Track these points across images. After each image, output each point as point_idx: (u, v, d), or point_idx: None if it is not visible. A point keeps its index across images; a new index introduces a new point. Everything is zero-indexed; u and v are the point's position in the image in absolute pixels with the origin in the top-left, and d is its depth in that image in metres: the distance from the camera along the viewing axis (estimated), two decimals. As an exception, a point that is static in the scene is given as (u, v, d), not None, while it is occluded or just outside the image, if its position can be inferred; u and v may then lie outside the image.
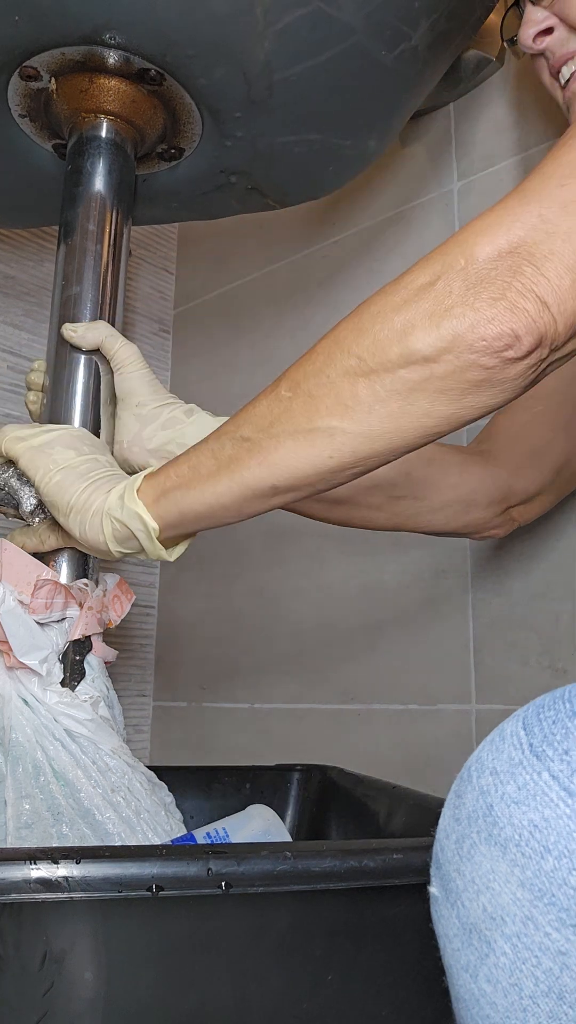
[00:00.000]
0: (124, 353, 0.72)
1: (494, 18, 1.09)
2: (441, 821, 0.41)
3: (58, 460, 0.64)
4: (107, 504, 0.60)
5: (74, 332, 0.73)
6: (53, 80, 0.77)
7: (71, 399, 0.74)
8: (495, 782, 0.37)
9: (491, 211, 0.48)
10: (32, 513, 0.67)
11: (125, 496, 0.60)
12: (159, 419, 0.71)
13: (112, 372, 0.73)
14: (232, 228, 1.39)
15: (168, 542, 0.61)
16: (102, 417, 0.74)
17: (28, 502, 0.67)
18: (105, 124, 0.78)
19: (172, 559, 0.62)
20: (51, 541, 0.68)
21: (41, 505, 0.67)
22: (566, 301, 0.45)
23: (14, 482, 0.67)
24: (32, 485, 0.66)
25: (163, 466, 0.60)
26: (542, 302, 0.45)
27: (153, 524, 0.59)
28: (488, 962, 0.37)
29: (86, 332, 0.73)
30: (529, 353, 0.46)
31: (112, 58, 0.74)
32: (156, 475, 0.59)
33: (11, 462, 0.67)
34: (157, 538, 0.59)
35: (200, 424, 0.70)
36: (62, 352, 0.75)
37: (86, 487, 0.62)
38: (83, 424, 0.73)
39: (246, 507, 0.56)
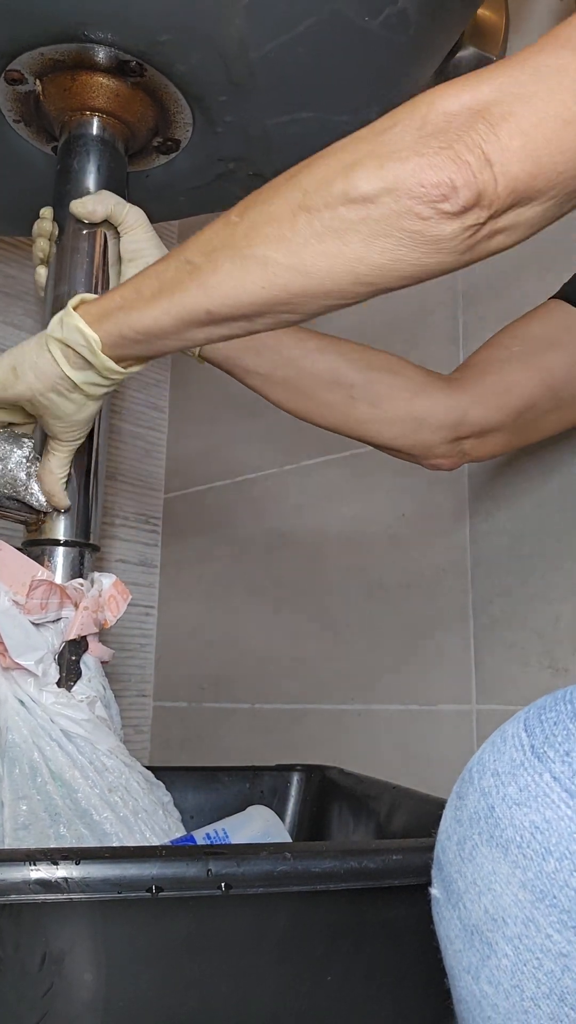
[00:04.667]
0: (133, 216, 0.75)
1: (495, 18, 1.09)
2: (442, 823, 0.40)
3: None
4: (47, 331, 0.61)
5: (83, 207, 0.74)
6: (38, 82, 0.77)
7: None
8: (496, 783, 0.37)
9: (473, 72, 0.48)
10: (28, 482, 0.68)
11: (63, 317, 0.60)
12: None
13: (118, 236, 0.76)
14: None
15: (119, 363, 0.61)
16: (110, 278, 0.76)
17: (19, 470, 0.68)
18: (94, 121, 0.78)
19: (125, 373, 0.62)
20: (55, 458, 0.68)
21: (30, 473, 0.69)
22: (510, 163, 0.45)
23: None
24: (9, 455, 0.68)
25: (109, 290, 0.61)
26: (486, 159, 0.45)
27: (93, 335, 0.59)
28: (490, 964, 0.36)
29: (96, 205, 0.74)
30: (465, 210, 0.46)
31: (90, 53, 0.73)
32: (100, 299, 0.60)
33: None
34: (102, 351, 0.60)
35: None
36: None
37: (18, 346, 0.64)
38: None
39: (186, 333, 0.57)
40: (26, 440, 0.69)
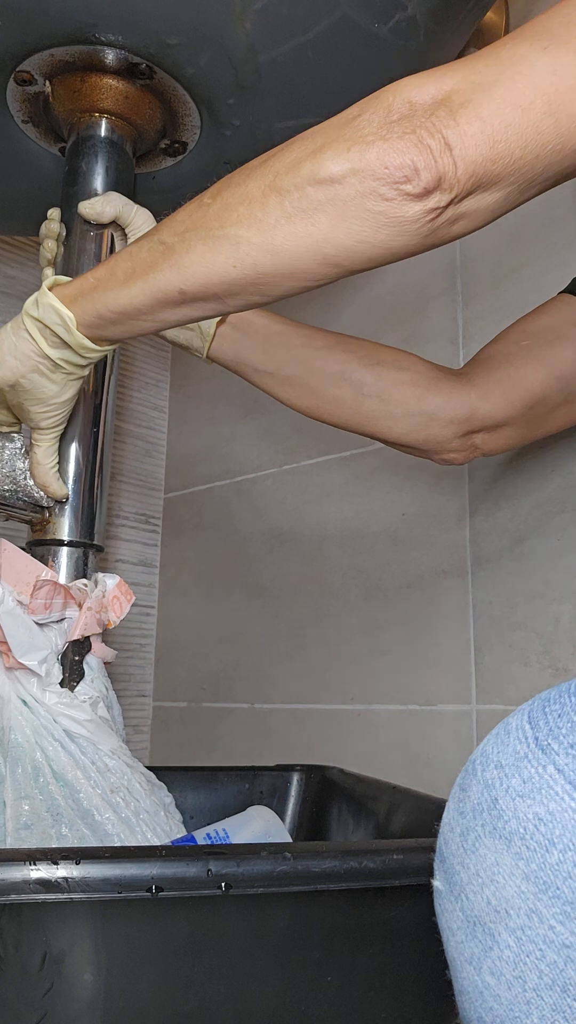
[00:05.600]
0: (140, 218, 0.76)
1: (495, 18, 1.10)
2: (445, 814, 0.41)
3: None
4: (24, 309, 0.62)
5: (92, 208, 0.75)
6: (47, 83, 0.77)
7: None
8: (500, 775, 0.38)
9: (446, 63, 0.50)
10: (27, 474, 0.69)
11: (39, 297, 0.62)
12: None
13: (126, 238, 0.77)
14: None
15: (95, 342, 0.62)
16: None
17: (18, 461, 0.69)
18: (102, 123, 0.78)
19: (100, 351, 0.63)
20: (41, 449, 0.68)
21: (26, 465, 0.69)
22: (468, 147, 0.47)
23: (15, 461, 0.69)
24: (2, 450, 0.68)
25: (84, 273, 0.62)
26: (446, 144, 0.47)
27: (68, 313, 0.60)
28: (492, 955, 0.37)
29: (104, 206, 0.75)
30: (427, 192, 0.48)
31: (100, 55, 0.73)
32: (74, 280, 0.62)
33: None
34: (77, 330, 0.61)
35: None
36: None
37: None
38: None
39: (160, 313, 0.58)
40: (15, 435, 0.70)
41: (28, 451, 0.69)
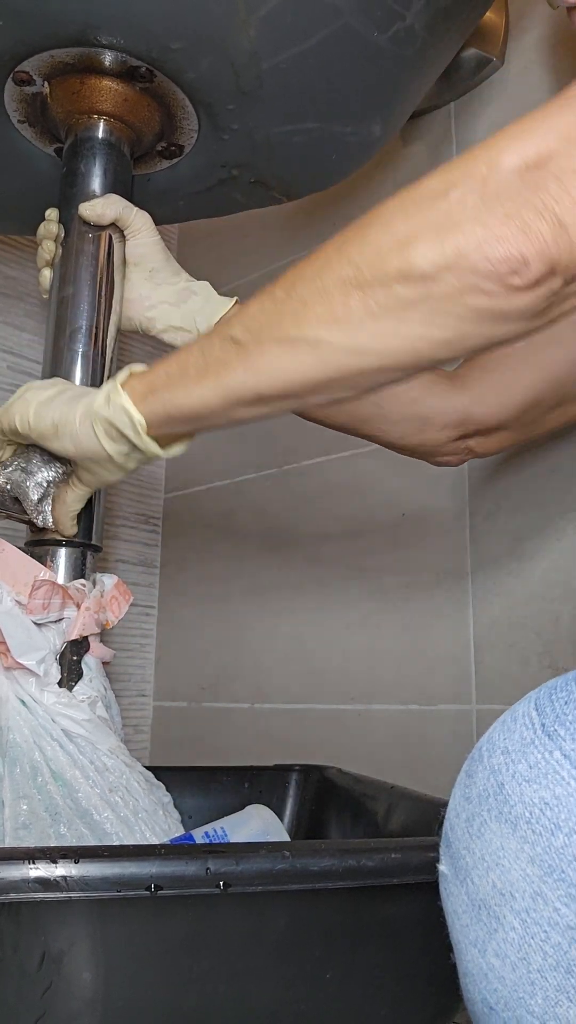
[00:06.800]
0: (140, 221, 0.76)
1: (495, 18, 1.09)
2: (451, 800, 0.41)
3: (31, 399, 0.64)
4: (94, 405, 0.60)
5: (93, 210, 0.75)
6: (46, 84, 0.77)
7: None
8: (506, 761, 0.38)
9: (529, 116, 0.43)
10: (38, 503, 0.67)
11: (111, 394, 0.59)
12: (173, 288, 0.76)
13: (124, 240, 0.77)
14: (232, 228, 1.39)
15: (163, 440, 0.60)
16: (115, 279, 0.77)
17: (34, 491, 0.67)
18: (100, 125, 0.79)
19: (167, 455, 0.61)
20: (73, 494, 0.67)
21: (46, 495, 0.68)
22: None
23: (17, 475, 0.67)
24: (37, 472, 0.67)
25: (154, 364, 0.59)
26: (560, 223, 0.40)
27: (139, 418, 0.58)
28: (497, 937, 0.37)
29: (105, 208, 0.75)
30: (537, 282, 0.42)
31: (100, 58, 0.74)
32: (145, 374, 0.59)
33: (8, 461, 0.68)
34: (147, 434, 0.59)
35: (208, 301, 0.75)
36: (59, 353, 0.75)
37: (66, 402, 0.62)
38: None
39: (233, 412, 0.55)
40: (58, 464, 0.68)
41: (58, 483, 0.68)
